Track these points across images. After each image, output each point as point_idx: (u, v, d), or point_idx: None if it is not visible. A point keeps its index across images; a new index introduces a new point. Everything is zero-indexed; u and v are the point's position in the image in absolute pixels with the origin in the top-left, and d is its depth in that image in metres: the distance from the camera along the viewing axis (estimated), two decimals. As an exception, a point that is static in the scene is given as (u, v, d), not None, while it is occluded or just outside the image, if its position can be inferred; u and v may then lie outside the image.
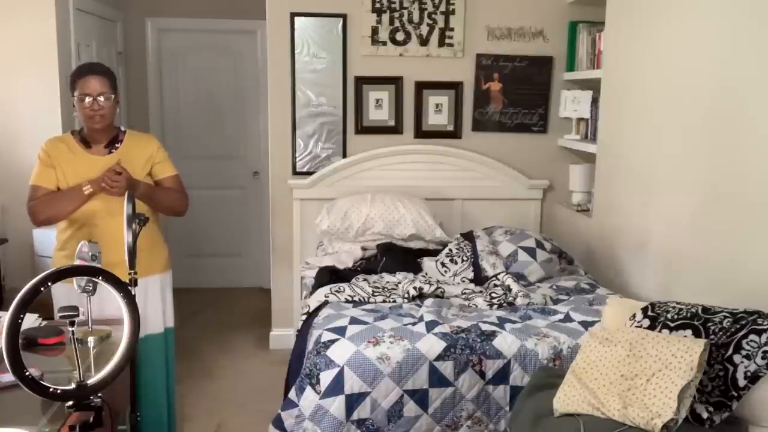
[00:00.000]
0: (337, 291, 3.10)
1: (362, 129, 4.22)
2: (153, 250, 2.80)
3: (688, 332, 2.11)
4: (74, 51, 4.18)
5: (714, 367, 2.00)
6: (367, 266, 3.53)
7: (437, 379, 2.56)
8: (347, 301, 3.04)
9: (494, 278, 3.28)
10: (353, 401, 2.52)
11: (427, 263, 3.53)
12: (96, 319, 2.22)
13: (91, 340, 1.85)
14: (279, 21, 4.09)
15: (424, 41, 4.15)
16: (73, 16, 4.15)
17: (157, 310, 2.84)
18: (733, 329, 2.02)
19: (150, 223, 2.73)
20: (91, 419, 1.54)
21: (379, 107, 4.21)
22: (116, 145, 2.72)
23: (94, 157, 2.68)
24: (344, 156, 4.23)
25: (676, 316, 2.18)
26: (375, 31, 4.12)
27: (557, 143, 4.32)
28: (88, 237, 2.45)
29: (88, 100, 2.58)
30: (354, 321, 2.77)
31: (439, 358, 2.57)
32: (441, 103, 4.24)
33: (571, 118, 4.17)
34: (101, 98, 2.59)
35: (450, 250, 3.55)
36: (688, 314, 2.16)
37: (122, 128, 2.79)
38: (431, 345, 2.59)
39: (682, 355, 1.94)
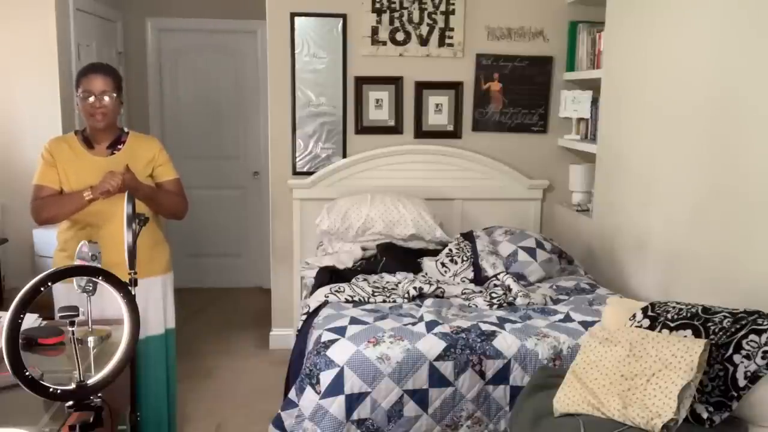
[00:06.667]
0: (337, 291, 3.10)
1: (362, 129, 4.22)
2: (155, 252, 2.81)
3: (688, 332, 2.11)
4: (74, 51, 4.19)
5: (714, 367, 2.00)
6: (367, 266, 3.53)
7: (437, 379, 2.56)
8: (347, 301, 3.04)
9: (494, 278, 3.28)
10: (353, 401, 2.52)
11: (427, 263, 3.53)
12: (96, 319, 2.23)
13: (91, 340, 1.85)
14: (279, 21, 4.09)
15: (424, 41, 4.15)
16: (73, 16, 4.15)
17: (158, 311, 2.84)
18: (733, 329, 2.02)
19: (152, 225, 2.74)
20: (91, 419, 1.54)
21: (379, 107, 4.21)
22: (119, 147, 2.73)
23: (96, 158, 2.68)
24: (344, 156, 4.23)
25: (676, 316, 2.18)
26: (375, 31, 4.12)
27: (557, 143, 4.32)
28: (88, 238, 2.45)
29: (91, 98, 2.59)
30: (354, 321, 2.77)
31: (439, 358, 2.57)
32: (441, 103, 4.24)
33: (571, 118, 4.17)
34: (105, 97, 2.60)
35: (450, 250, 3.55)
36: (688, 314, 2.16)
37: (125, 129, 2.79)
38: (431, 345, 2.59)
39: (682, 355, 1.94)
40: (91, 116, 2.62)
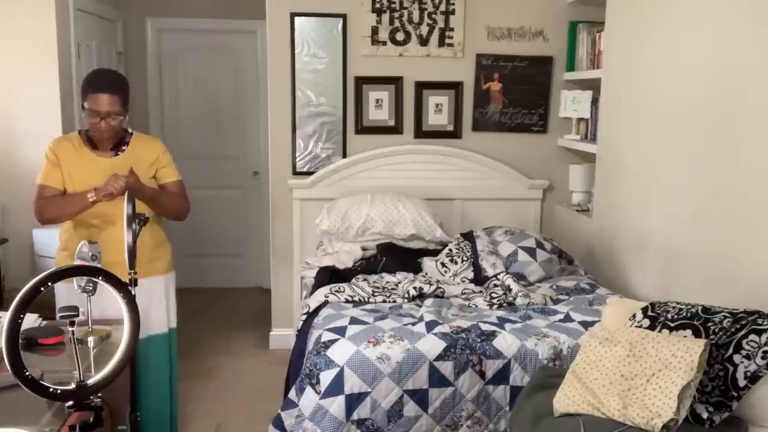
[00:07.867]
0: (337, 291, 3.10)
1: (362, 129, 4.22)
2: (157, 252, 2.82)
3: (688, 332, 2.11)
4: (74, 51, 4.18)
5: (714, 367, 2.00)
6: (367, 266, 3.53)
7: (437, 379, 2.56)
8: (347, 301, 3.04)
9: (494, 278, 3.28)
10: (353, 401, 2.52)
11: (427, 263, 3.53)
12: (96, 319, 2.23)
13: (91, 340, 1.85)
14: (279, 21, 4.09)
15: (424, 41, 4.15)
16: (73, 17, 4.15)
17: (161, 311, 2.85)
18: (733, 329, 2.02)
19: (155, 225, 2.75)
20: (91, 419, 1.54)
21: (379, 107, 4.21)
22: (122, 148, 2.73)
23: (99, 159, 2.68)
24: (344, 156, 4.23)
25: (676, 316, 2.18)
26: (375, 31, 4.12)
27: (557, 143, 4.32)
28: (90, 238, 2.46)
29: (96, 118, 2.57)
30: (354, 321, 2.77)
31: (439, 358, 2.57)
32: (441, 103, 4.24)
33: (571, 118, 4.17)
34: (110, 118, 2.58)
35: (450, 250, 3.55)
36: (688, 314, 2.16)
37: (129, 130, 2.79)
38: (431, 345, 2.59)
39: (682, 355, 1.94)
40: (96, 131, 2.63)
